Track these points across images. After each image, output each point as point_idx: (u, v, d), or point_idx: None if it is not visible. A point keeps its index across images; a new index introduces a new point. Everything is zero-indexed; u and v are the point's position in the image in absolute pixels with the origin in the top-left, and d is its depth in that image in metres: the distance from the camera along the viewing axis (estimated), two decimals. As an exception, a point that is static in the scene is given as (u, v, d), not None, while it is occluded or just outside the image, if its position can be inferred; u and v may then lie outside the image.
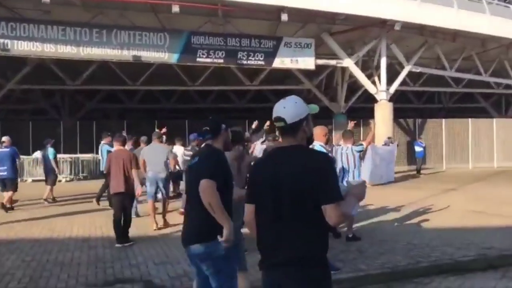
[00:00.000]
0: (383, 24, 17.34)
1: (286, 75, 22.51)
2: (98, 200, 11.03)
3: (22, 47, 14.45)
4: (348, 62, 18.24)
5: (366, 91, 23.73)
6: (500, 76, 23.59)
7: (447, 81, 25.48)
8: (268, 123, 8.28)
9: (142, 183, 8.21)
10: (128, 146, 9.35)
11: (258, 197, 2.38)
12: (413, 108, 32.06)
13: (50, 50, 14.73)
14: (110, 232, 7.37)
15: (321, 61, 18.02)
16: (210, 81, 22.47)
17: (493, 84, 25.92)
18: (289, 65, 17.46)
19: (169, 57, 16.00)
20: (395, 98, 21.14)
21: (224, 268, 3.26)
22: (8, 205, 10.42)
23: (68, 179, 18.26)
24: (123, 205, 7.20)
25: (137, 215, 9.36)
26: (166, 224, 8.46)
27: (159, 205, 8.85)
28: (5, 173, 10.46)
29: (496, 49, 21.63)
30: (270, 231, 2.29)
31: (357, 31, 18.05)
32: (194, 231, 3.32)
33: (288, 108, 2.41)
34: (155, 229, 8.12)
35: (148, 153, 8.64)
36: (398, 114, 22.14)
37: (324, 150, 5.62)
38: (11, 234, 8.02)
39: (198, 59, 16.32)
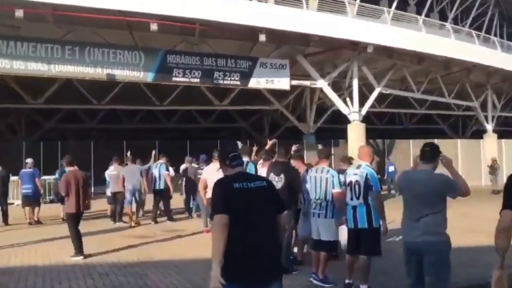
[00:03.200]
0: (356, 47, 17.70)
1: (255, 95, 22.52)
2: (155, 220, 12.26)
3: (-11, 64, 13.73)
4: (321, 83, 18.46)
5: (333, 111, 24.22)
6: (461, 99, 24.57)
7: (410, 102, 26.36)
8: (270, 143, 8.11)
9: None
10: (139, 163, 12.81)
11: None
12: (374, 128, 32.85)
13: (19, 67, 14.08)
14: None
15: (295, 82, 18.15)
16: (176, 101, 22.08)
17: (453, 106, 26.98)
18: (265, 85, 17.48)
19: (144, 76, 15.64)
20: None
21: None
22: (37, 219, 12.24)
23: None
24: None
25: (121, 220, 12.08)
26: (138, 223, 11.68)
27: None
28: (30, 190, 12.24)
29: (459, 72, 22.53)
30: None
31: (329, 53, 18.38)
32: (276, 265, 3.25)
33: None
34: (132, 226, 11.31)
35: (126, 172, 11.97)
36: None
37: (372, 171, 5.59)
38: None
39: (174, 79, 16.05)
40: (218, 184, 3.35)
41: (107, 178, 12.76)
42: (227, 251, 3.04)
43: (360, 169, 5.57)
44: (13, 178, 14.80)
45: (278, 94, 21.74)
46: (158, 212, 12.80)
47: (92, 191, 20.12)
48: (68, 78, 17.73)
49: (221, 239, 3.00)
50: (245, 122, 31.32)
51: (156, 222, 12.17)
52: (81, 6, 13.05)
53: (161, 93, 21.52)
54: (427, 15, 21.35)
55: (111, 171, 12.40)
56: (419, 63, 20.64)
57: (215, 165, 7.97)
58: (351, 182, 5.55)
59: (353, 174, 5.58)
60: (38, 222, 12.22)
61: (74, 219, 7.85)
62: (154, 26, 13.94)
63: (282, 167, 6.72)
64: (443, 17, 23.16)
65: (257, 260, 3.09)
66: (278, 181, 6.39)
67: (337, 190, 5.90)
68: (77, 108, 24.74)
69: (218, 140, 22.67)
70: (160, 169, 12.62)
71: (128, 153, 12.85)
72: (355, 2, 18.05)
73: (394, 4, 19.47)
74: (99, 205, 13.90)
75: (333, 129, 26.12)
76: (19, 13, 12.46)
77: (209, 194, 8.00)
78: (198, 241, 9.23)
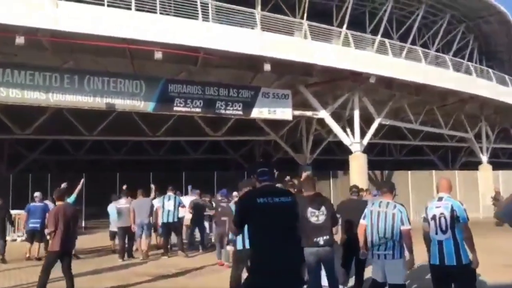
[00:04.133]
0: (357, 77, 17.55)
1: (248, 125, 22.11)
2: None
3: (-16, 92, 13.05)
4: (323, 114, 18.20)
5: (328, 142, 23.98)
6: (456, 130, 24.63)
7: (403, 134, 26.32)
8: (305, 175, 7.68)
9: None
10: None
11: None
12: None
13: (16, 96, 13.41)
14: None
15: (297, 112, 17.84)
16: (167, 131, 21.44)
17: (446, 137, 27.06)
18: (267, 115, 17.10)
19: (145, 105, 15.11)
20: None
21: None
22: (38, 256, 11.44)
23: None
24: (67, 265, 7.10)
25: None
26: (147, 255, 11.60)
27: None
28: (38, 225, 11.60)
29: (454, 104, 22.62)
30: None
31: (329, 83, 18.22)
32: (295, 275, 3.40)
33: None
34: (141, 259, 11.25)
35: (136, 205, 11.74)
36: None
37: (457, 202, 5.21)
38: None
39: (175, 108, 15.55)
40: (241, 198, 3.76)
41: (114, 212, 12.01)
42: (250, 264, 3.39)
43: (443, 201, 5.14)
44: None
45: (273, 124, 21.41)
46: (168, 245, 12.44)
47: (83, 225, 19.40)
48: (59, 108, 17.34)
49: None
50: (235, 153, 30.88)
51: (168, 256, 11.86)
52: (83, 33, 12.56)
53: (153, 123, 20.95)
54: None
55: (122, 204, 11.69)
56: (417, 94, 20.62)
57: None
58: (434, 215, 5.09)
59: (436, 207, 5.13)
60: (39, 259, 11.32)
61: (54, 260, 7.03)
62: (158, 55, 13.52)
63: (322, 200, 6.36)
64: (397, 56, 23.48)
65: (279, 272, 3.27)
66: (319, 215, 6.07)
67: (406, 227, 5.43)
68: (66, 139, 24.00)
69: (215, 171, 22.03)
70: (175, 201, 12.24)
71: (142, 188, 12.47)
72: (340, 30, 17.88)
73: (378, 37, 19.40)
74: (96, 241, 13.12)
75: (329, 160, 25.83)
76: (20, 39, 11.91)
77: None
78: (221, 276, 8.63)
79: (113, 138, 23.01)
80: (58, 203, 7.42)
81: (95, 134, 20.52)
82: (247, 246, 6.48)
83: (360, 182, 17.71)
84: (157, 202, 12.79)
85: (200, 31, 14.09)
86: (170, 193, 12.71)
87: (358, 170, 18.12)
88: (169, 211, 12.23)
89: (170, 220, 12.11)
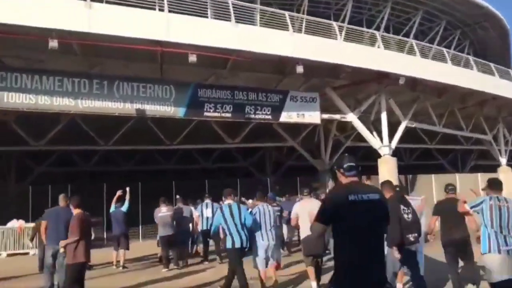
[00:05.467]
0: (384, 79, 17.19)
1: (264, 131, 21.66)
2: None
3: (13, 100, 12.42)
4: (351, 117, 17.80)
5: (347, 148, 23.57)
6: (474, 132, 24.37)
7: (418, 137, 25.99)
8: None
9: None
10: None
11: None
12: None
13: (44, 102, 12.83)
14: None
15: (326, 116, 17.42)
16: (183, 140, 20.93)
17: (461, 139, 26.83)
18: (296, 119, 16.64)
19: (175, 111, 14.60)
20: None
21: None
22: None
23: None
24: (81, 277, 6.72)
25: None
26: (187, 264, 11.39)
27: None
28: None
29: (474, 106, 22.37)
30: None
31: (354, 86, 17.86)
32: (382, 274, 3.39)
33: None
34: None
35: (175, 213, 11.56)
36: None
37: None
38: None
39: (205, 113, 15.06)
40: (332, 195, 3.60)
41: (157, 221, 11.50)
42: (339, 263, 3.35)
43: None
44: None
45: (289, 130, 21.01)
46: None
47: (105, 236, 18.72)
48: (73, 118, 16.83)
49: None
50: (246, 161, 30.38)
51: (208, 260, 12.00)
52: (117, 35, 12.02)
53: (170, 132, 20.39)
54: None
55: (164, 212, 11.13)
56: (439, 96, 20.34)
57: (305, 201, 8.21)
58: None
59: None
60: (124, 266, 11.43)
61: (79, 272, 6.65)
62: (193, 57, 13.00)
63: (407, 200, 6.84)
64: (422, 55, 23.34)
65: (367, 272, 3.24)
66: (409, 213, 6.50)
67: None
68: (75, 150, 23.40)
69: (238, 179, 21.54)
70: (213, 209, 11.83)
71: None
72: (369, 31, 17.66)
73: (411, 40, 19.19)
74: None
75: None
76: (54, 43, 11.35)
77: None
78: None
79: (128, 148, 22.36)
80: (76, 211, 6.91)
81: (111, 144, 19.95)
82: (237, 245, 7.39)
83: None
84: (195, 210, 12.45)
85: (233, 33, 13.63)
86: (207, 201, 12.52)
87: (388, 174, 17.64)
88: (207, 218, 12.02)
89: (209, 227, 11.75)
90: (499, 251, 5.19)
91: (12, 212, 18.11)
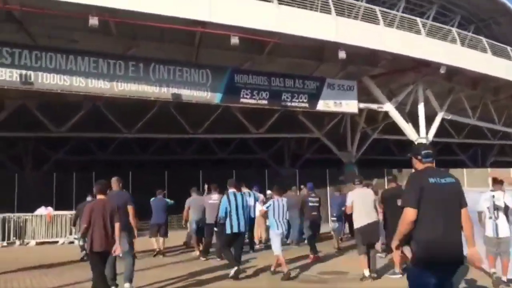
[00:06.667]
0: (422, 68, 16.50)
1: (289, 122, 20.99)
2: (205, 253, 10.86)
3: (47, 80, 11.83)
4: (388, 107, 17.14)
5: (374, 140, 22.92)
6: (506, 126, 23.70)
7: (445, 130, 25.32)
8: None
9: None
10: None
11: None
12: (394, 160, 31.69)
13: (79, 84, 12.21)
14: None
15: (363, 105, 16.77)
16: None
17: (488, 133, 26.15)
18: (333, 108, 16.01)
19: (212, 97, 13.98)
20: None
21: None
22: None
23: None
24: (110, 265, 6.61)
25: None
26: (201, 254, 10.73)
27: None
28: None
29: (506, 99, 21.70)
30: None
31: (390, 75, 17.21)
32: (461, 252, 3.54)
33: None
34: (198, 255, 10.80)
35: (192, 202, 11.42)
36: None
37: None
38: None
39: (242, 100, 14.43)
40: (416, 177, 3.72)
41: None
42: (420, 242, 3.51)
43: None
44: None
45: (315, 120, 20.36)
46: None
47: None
48: (96, 105, 16.52)
49: (405, 234, 3.60)
50: (264, 152, 29.67)
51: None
52: (158, 14, 11.37)
53: (194, 120, 19.74)
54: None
55: (215, 200, 10.46)
56: (474, 88, 19.66)
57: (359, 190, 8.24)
58: None
59: None
60: (164, 253, 11.30)
61: (100, 259, 6.17)
62: (235, 40, 12.35)
63: None
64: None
65: (447, 251, 3.46)
66: None
67: None
68: (97, 138, 22.75)
69: (266, 170, 20.92)
70: (254, 198, 11.71)
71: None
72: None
73: (454, 29, 18.40)
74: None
75: (374, 160, 24.68)
76: (94, 20, 10.71)
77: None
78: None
79: (151, 136, 21.71)
80: (99, 197, 6.41)
81: (134, 131, 19.33)
82: (234, 230, 8.27)
83: None
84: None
85: (276, 15, 12.96)
86: (245, 190, 11.84)
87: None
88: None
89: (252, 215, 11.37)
90: None
91: (34, 200, 17.53)
